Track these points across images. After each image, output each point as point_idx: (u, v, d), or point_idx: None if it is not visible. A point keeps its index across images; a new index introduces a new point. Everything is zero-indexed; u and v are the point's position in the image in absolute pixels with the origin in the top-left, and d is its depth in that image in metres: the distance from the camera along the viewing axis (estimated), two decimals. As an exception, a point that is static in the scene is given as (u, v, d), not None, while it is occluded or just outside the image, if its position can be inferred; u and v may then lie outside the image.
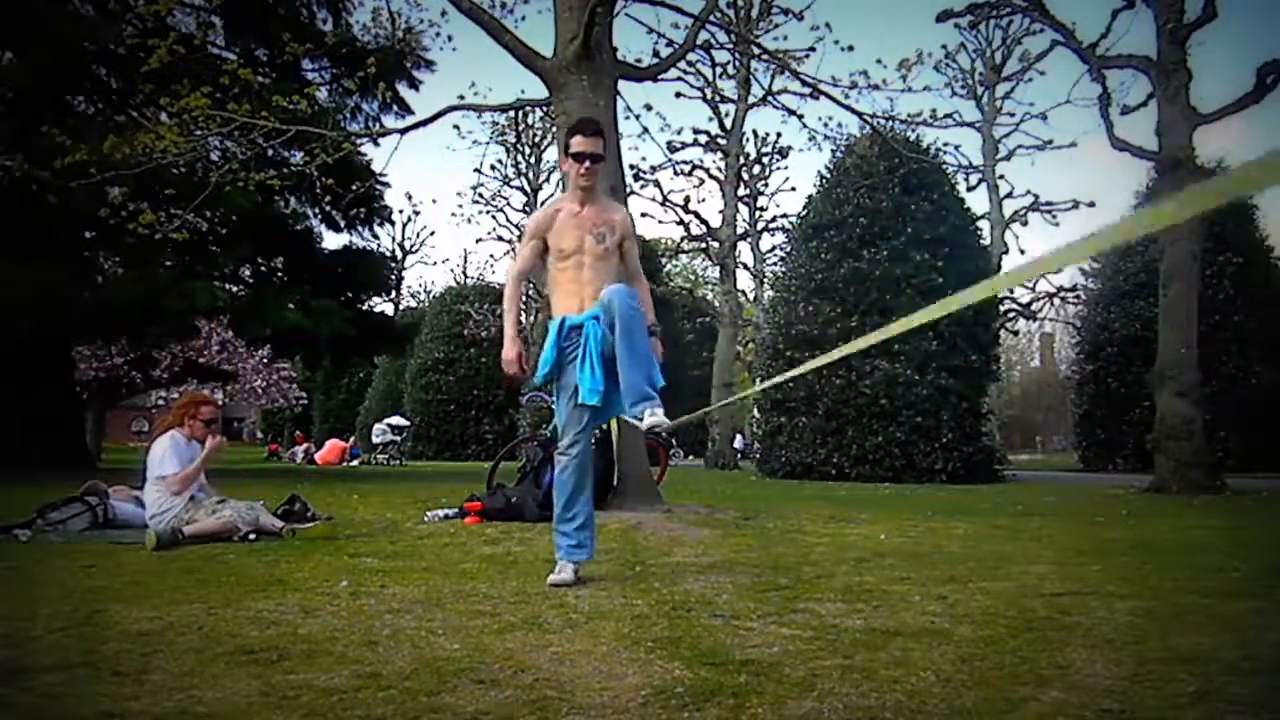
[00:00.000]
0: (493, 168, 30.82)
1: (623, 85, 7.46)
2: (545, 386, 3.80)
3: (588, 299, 3.70)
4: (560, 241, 3.78)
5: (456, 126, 60.84)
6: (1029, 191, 26.30)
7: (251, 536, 4.95)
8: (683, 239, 22.72)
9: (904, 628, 2.80)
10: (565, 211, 3.82)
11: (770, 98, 18.06)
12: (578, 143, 3.77)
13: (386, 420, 24.49)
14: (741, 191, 22.14)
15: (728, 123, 20.25)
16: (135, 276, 12.60)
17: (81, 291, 12.17)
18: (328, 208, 15.25)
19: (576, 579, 3.63)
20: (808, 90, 10.45)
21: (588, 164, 3.75)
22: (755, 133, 22.66)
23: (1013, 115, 26.76)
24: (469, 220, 66.07)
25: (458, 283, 33.02)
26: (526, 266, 4.00)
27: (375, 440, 23.59)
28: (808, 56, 11.55)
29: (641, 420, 3.49)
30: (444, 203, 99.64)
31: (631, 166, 19.69)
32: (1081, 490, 11.55)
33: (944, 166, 16.78)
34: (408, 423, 25.61)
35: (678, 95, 19.60)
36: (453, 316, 29.61)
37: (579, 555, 3.72)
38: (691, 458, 28.60)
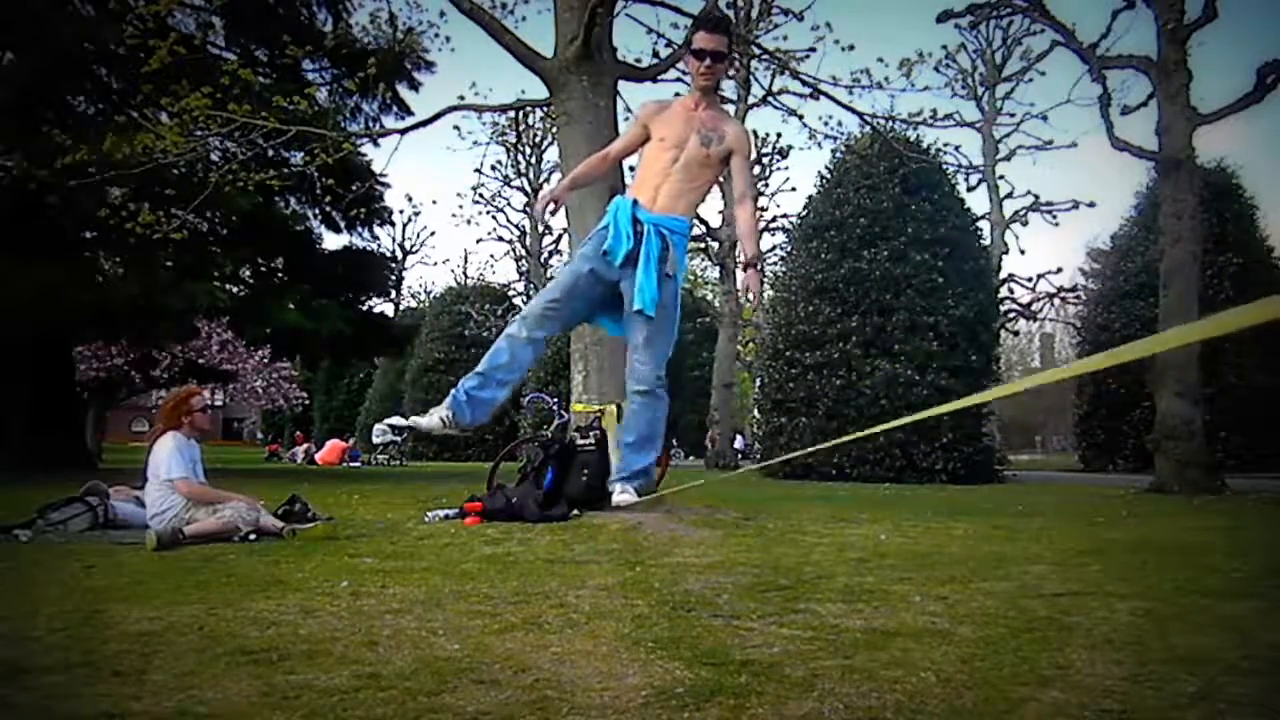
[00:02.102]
0: (493, 168, 30.84)
1: (623, 85, 7.46)
2: (602, 255, 3.51)
3: (663, 196, 3.45)
4: (664, 129, 3.51)
5: (457, 127, 60.85)
6: (1029, 191, 26.34)
7: (252, 537, 4.95)
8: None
9: (904, 628, 2.79)
10: (679, 107, 3.58)
11: (770, 98, 18.06)
12: (700, 39, 3.51)
13: (387, 421, 24.46)
14: (742, 191, 22.09)
15: (727, 122, 20.24)
16: (135, 276, 12.60)
17: (81, 291, 12.16)
18: (328, 208, 15.25)
19: (444, 423, 3.49)
20: (808, 90, 10.45)
21: (708, 62, 3.48)
22: (755, 133, 22.62)
23: (1013, 115, 26.82)
24: (469, 221, 66.18)
25: (458, 283, 33.06)
26: (619, 147, 3.74)
27: (375, 441, 23.56)
28: (808, 56, 11.53)
29: (612, 495, 3.61)
30: (444, 203, 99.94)
31: (631, 168, 19.69)
32: (1081, 490, 11.55)
33: (944, 166, 16.78)
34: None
35: (676, 95, 19.55)
36: (453, 317, 29.62)
37: (459, 413, 3.47)
38: (692, 458, 28.60)
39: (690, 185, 3.47)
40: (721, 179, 4.06)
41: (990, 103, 24.23)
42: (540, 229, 29.97)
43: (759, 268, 3.50)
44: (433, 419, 3.43)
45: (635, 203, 3.46)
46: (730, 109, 20.12)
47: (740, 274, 3.44)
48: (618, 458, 3.76)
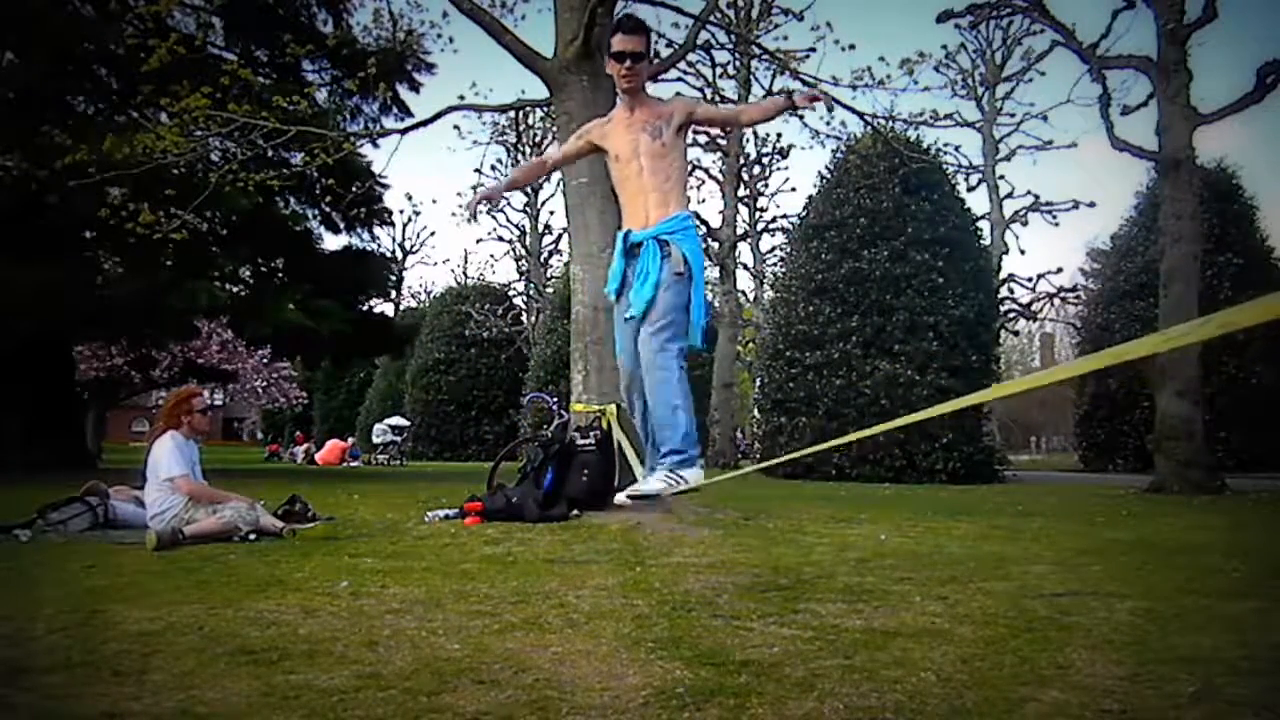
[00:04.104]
0: (493, 168, 30.81)
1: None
2: (616, 300, 3.60)
3: (652, 207, 3.43)
4: (615, 146, 3.50)
5: (457, 127, 60.78)
6: (1029, 191, 26.31)
7: (252, 537, 4.95)
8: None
9: (904, 628, 2.79)
10: (617, 118, 3.57)
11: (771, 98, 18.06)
12: (618, 41, 3.50)
13: (387, 420, 24.51)
14: (741, 192, 22.14)
15: (728, 123, 20.24)
16: (135, 276, 12.60)
17: (81, 291, 12.16)
18: (327, 209, 15.25)
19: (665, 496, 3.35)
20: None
21: (629, 63, 3.46)
22: (755, 133, 22.60)
23: (1013, 115, 26.76)
24: (469, 220, 66.09)
25: (458, 283, 33.02)
26: (558, 156, 3.78)
27: (375, 440, 23.60)
28: (808, 57, 11.52)
29: (644, 485, 3.42)
30: (444, 203, 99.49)
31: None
32: (1081, 490, 11.54)
33: (944, 166, 16.77)
34: (408, 423, 25.62)
35: (677, 95, 19.60)
36: (453, 317, 29.61)
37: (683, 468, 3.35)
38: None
39: (666, 181, 3.45)
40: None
41: (990, 103, 24.22)
42: (540, 232, 29.94)
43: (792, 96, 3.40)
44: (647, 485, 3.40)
45: (628, 235, 3.51)
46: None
47: (799, 98, 3.28)
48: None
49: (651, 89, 3.76)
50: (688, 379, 3.45)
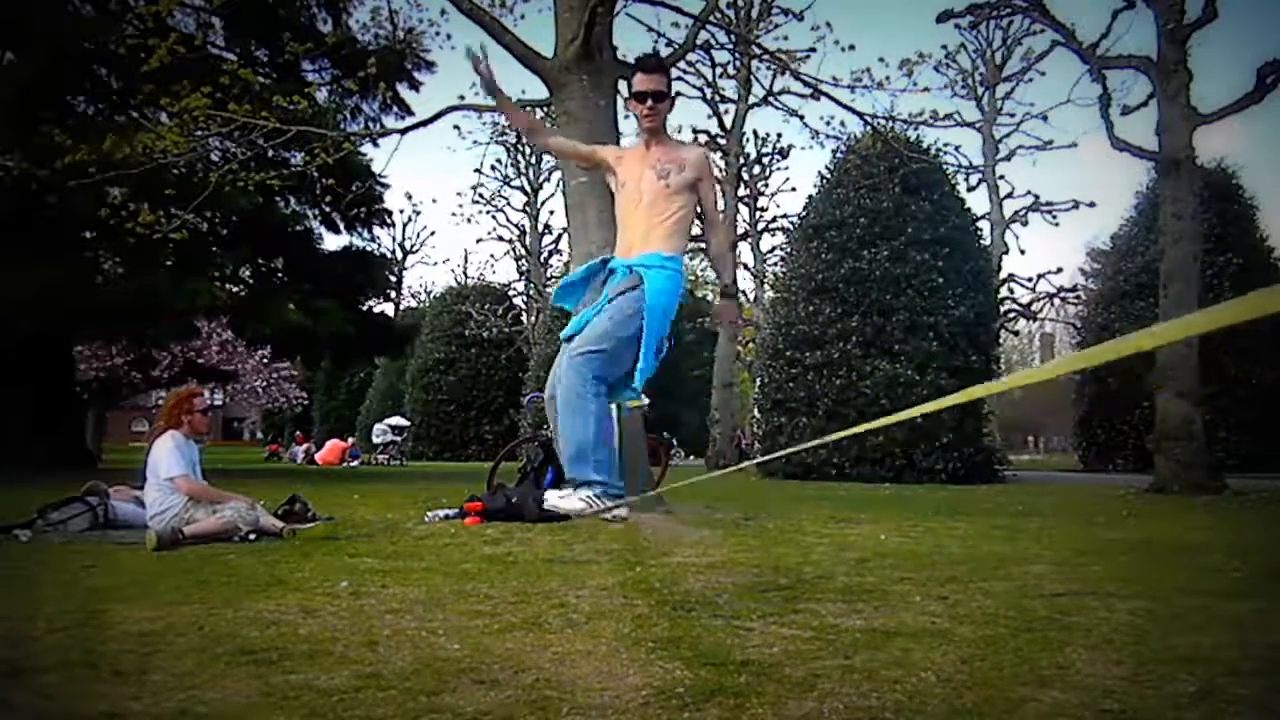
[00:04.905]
0: (493, 168, 30.84)
1: (622, 85, 7.46)
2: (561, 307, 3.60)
3: (635, 242, 3.38)
4: (623, 174, 3.50)
5: (457, 127, 60.76)
6: (1029, 191, 26.26)
7: (251, 536, 4.95)
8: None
9: (904, 628, 2.79)
10: (633, 150, 3.59)
11: (771, 98, 18.05)
12: (640, 81, 3.48)
13: (387, 420, 24.52)
14: (742, 192, 22.14)
15: (728, 122, 20.27)
16: (135, 276, 12.60)
17: (81, 291, 12.17)
18: (327, 209, 15.27)
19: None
20: (809, 91, 10.45)
21: (650, 103, 3.44)
22: (755, 133, 22.59)
23: (1013, 115, 26.70)
24: (469, 220, 66.15)
25: (458, 283, 33.02)
26: (558, 140, 3.86)
27: (375, 440, 23.61)
28: (808, 57, 11.52)
29: (559, 493, 3.29)
30: (444, 203, 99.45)
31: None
32: (1081, 490, 11.55)
33: (944, 166, 16.77)
34: (408, 423, 25.62)
35: (677, 95, 19.59)
36: (453, 317, 29.62)
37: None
38: (693, 458, 28.59)
39: (658, 220, 3.38)
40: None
41: (990, 103, 24.21)
42: (540, 232, 29.95)
43: (734, 295, 3.54)
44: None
45: (606, 260, 3.51)
46: (730, 109, 20.13)
47: (717, 301, 3.35)
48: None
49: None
50: (610, 417, 3.26)
